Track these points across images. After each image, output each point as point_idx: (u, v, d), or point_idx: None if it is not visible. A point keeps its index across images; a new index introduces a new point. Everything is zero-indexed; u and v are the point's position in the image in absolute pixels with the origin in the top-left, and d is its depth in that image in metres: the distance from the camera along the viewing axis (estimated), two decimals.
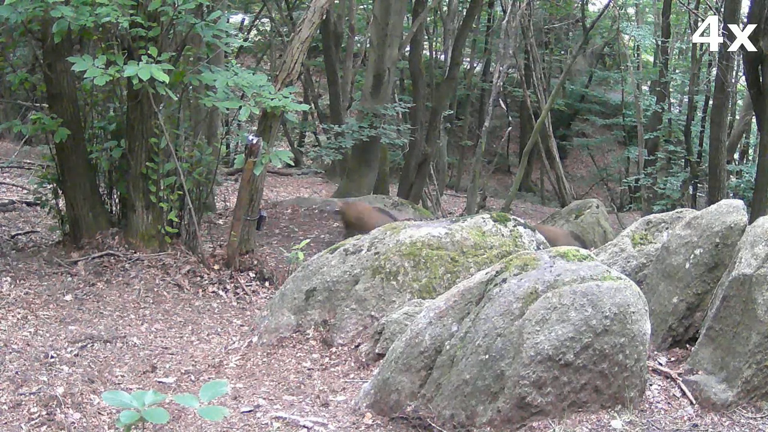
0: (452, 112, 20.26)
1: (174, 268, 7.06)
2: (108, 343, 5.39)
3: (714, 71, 15.83)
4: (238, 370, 5.08)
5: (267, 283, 7.32)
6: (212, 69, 7.25)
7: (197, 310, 6.49)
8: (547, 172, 20.10)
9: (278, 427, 4.09)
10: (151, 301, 6.50)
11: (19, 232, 8.58)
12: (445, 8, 20.31)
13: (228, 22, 8.46)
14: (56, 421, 4.02)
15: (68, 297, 6.30)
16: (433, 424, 3.95)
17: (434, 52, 22.58)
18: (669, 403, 4.25)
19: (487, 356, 3.92)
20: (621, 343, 3.97)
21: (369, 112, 13.20)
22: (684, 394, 4.24)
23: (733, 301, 4.25)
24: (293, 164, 10.38)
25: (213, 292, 6.94)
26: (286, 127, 19.76)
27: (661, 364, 4.58)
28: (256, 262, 7.56)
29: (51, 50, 7.16)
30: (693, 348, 4.50)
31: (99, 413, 4.19)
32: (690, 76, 17.57)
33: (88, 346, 5.30)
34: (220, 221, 10.29)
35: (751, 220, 4.77)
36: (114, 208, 7.77)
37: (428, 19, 19.21)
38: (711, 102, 15.75)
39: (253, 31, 22.88)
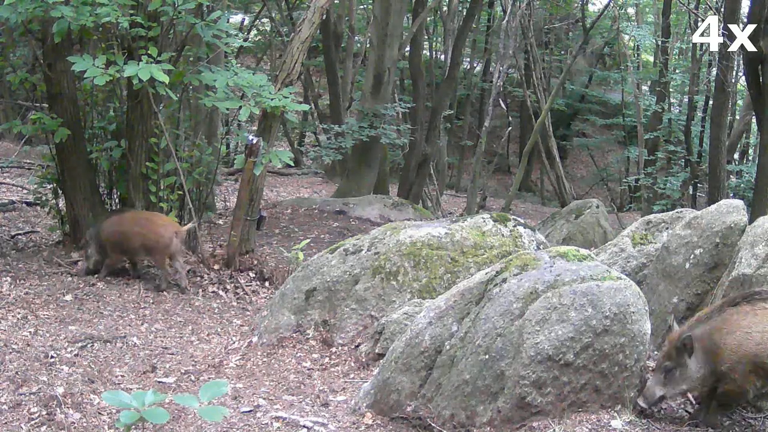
0: (452, 112, 20.22)
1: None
2: (108, 343, 5.39)
3: (714, 71, 15.81)
4: (238, 370, 5.08)
5: (267, 283, 7.31)
6: (212, 69, 7.26)
7: (197, 310, 6.49)
8: (547, 172, 20.07)
9: (278, 427, 4.09)
10: (151, 301, 6.50)
11: (19, 232, 8.58)
12: (445, 8, 20.29)
13: (228, 22, 8.46)
14: (56, 421, 4.01)
15: (68, 297, 6.30)
16: (433, 424, 3.95)
17: (434, 52, 22.56)
18: (669, 403, 4.25)
19: (487, 356, 3.92)
20: (621, 343, 3.97)
21: (369, 112, 13.18)
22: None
23: None
24: (293, 164, 10.37)
25: (213, 292, 6.94)
26: (286, 127, 19.74)
27: None
28: (256, 262, 7.56)
29: (51, 50, 7.17)
30: None
31: (99, 413, 4.18)
32: (690, 76, 17.55)
33: (88, 346, 5.30)
34: (220, 221, 10.29)
35: (751, 220, 4.77)
36: (114, 208, 7.77)
37: (428, 19, 19.19)
38: (711, 102, 15.73)
39: (253, 31, 22.85)
